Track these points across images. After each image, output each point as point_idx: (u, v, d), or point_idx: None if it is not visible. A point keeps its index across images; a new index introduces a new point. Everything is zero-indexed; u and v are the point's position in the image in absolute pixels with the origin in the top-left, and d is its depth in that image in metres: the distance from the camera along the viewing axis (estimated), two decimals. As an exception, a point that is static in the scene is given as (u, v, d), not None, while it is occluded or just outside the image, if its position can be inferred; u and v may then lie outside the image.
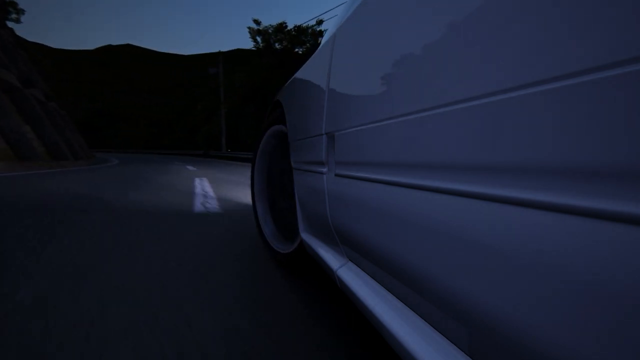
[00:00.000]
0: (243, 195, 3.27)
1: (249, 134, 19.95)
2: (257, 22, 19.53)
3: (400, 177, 0.45)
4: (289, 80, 1.16)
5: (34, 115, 8.95)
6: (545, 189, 0.25)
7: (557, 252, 0.24)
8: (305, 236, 0.96)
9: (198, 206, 2.61)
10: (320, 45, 0.90)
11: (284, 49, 19.44)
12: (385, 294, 0.54)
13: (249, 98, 19.59)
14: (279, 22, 20.52)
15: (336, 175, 0.68)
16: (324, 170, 0.74)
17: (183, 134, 34.58)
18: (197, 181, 4.66)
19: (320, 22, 18.63)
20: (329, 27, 0.92)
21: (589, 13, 0.22)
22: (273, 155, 1.44)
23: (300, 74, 1.03)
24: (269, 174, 1.50)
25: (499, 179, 0.29)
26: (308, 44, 19.09)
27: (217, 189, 3.80)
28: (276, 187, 1.41)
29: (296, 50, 19.54)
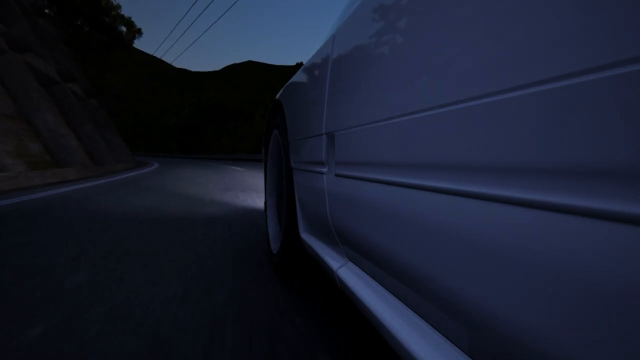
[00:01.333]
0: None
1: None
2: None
3: (400, 177, 0.44)
4: (289, 80, 1.16)
5: (73, 112, 7.54)
6: (545, 189, 0.25)
7: (557, 252, 0.24)
8: (305, 236, 0.96)
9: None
10: (320, 45, 0.90)
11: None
12: (385, 294, 0.54)
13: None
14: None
15: (336, 175, 0.68)
16: (324, 170, 0.74)
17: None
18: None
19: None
20: (329, 27, 0.92)
21: (589, 13, 0.22)
22: (277, 158, 1.45)
23: (300, 74, 1.03)
24: (277, 175, 1.51)
25: (499, 179, 0.29)
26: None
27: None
28: (280, 189, 1.42)
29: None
